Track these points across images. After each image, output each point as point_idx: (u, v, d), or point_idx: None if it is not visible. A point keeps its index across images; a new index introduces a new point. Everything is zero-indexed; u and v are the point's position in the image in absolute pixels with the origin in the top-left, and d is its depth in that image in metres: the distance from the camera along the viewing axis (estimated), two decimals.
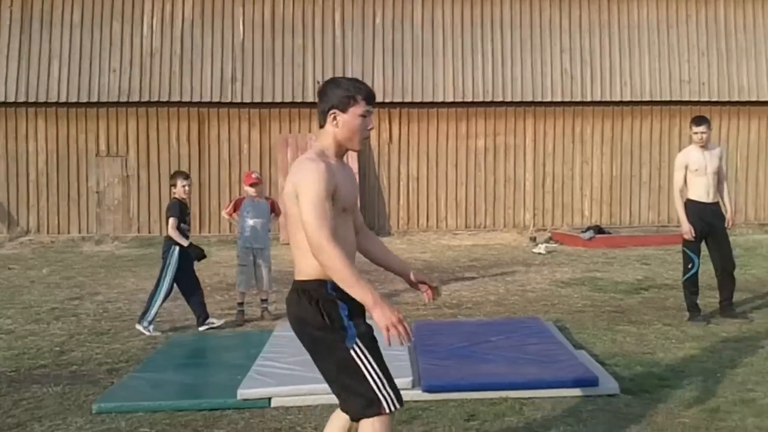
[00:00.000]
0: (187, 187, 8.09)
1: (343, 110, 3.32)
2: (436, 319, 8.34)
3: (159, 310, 7.98)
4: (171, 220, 7.88)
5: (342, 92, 3.32)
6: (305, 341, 3.36)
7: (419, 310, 8.86)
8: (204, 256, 8.06)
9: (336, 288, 3.26)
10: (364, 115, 3.35)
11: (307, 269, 3.30)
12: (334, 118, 3.33)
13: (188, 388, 5.70)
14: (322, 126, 3.39)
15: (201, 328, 8.03)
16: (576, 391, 5.44)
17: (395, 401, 3.26)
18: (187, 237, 8.03)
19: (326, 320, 3.25)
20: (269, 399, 5.40)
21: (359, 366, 3.23)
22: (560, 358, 6.04)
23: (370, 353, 3.27)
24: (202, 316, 8.10)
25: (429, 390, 5.45)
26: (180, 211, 7.94)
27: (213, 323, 8.05)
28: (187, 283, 8.11)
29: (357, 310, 3.35)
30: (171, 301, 9.50)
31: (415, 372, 5.70)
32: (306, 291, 3.30)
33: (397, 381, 5.31)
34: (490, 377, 5.64)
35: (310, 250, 3.15)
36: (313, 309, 3.27)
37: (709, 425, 4.81)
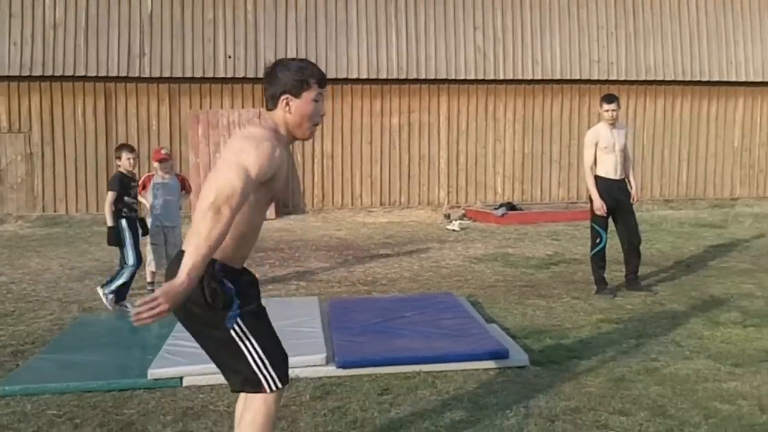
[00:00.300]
0: (131, 160, 7.87)
1: (296, 95, 3.17)
2: (350, 295, 8.35)
3: (127, 281, 7.78)
4: (109, 194, 7.70)
5: (294, 75, 3.16)
6: (183, 316, 3.20)
7: (333, 287, 8.86)
8: (118, 244, 7.86)
9: (224, 270, 3.14)
10: (317, 100, 3.21)
11: None
12: (287, 104, 3.17)
13: (97, 369, 5.55)
14: (270, 110, 3.23)
15: (111, 304, 7.81)
16: (487, 364, 5.54)
17: (276, 381, 3.21)
18: (135, 210, 7.89)
19: (208, 299, 3.09)
20: (181, 378, 5.31)
21: (239, 346, 3.16)
22: (472, 332, 6.13)
23: (252, 332, 3.17)
24: (121, 295, 7.92)
25: (343, 366, 5.46)
26: (122, 185, 7.74)
27: (126, 306, 7.83)
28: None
29: (244, 290, 3.23)
30: (78, 281, 9.30)
31: (329, 348, 5.70)
32: None
33: (310, 357, 5.43)
34: (404, 352, 5.69)
35: (202, 201, 2.89)
36: (196, 286, 3.06)
37: (614, 394, 4.96)
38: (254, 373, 3.18)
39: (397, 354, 5.65)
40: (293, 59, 3.29)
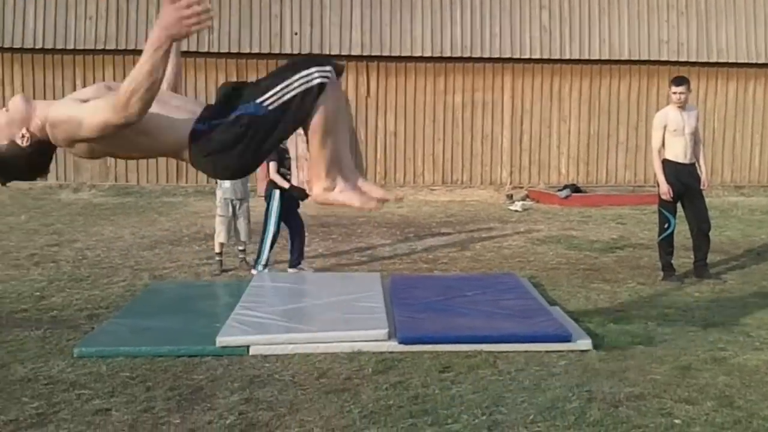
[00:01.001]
0: None
1: None
2: (411, 273, 8.41)
3: (270, 252, 8.21)
4: (271, 165, 8.02)
5: None
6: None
7: (395, 264, 8.93)
8: (307, 196, 8.18)
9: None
10: None
11: None
12: None
13: (167, 335, 5.72)
14: None
15: (290, 270, 8.33)
16: (549, 346, 5.52)
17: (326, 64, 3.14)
18: (288, 181, 8.20)
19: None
20: (247, 347, 5.45)
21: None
22: (535, 313, 6.13)
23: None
24: (297, 259, 8.37)
25: (404, 342, 5.52)
26: (279, 156, 8.03)
27: (303, 268, 8.34)
28: (294, 224, 8.37)
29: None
30: (149, 250, 9.55)
31: (391, 324, 5.76)
32: None
33: (372, 332, 5.54)
34: (465, 330, 5.73)
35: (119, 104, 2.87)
36: None
37: (680, 382, 4.90)
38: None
39: (458, 332, 5.70)
40: None
